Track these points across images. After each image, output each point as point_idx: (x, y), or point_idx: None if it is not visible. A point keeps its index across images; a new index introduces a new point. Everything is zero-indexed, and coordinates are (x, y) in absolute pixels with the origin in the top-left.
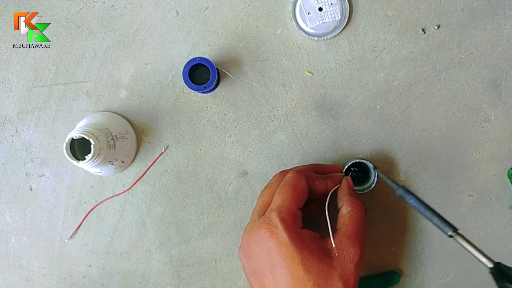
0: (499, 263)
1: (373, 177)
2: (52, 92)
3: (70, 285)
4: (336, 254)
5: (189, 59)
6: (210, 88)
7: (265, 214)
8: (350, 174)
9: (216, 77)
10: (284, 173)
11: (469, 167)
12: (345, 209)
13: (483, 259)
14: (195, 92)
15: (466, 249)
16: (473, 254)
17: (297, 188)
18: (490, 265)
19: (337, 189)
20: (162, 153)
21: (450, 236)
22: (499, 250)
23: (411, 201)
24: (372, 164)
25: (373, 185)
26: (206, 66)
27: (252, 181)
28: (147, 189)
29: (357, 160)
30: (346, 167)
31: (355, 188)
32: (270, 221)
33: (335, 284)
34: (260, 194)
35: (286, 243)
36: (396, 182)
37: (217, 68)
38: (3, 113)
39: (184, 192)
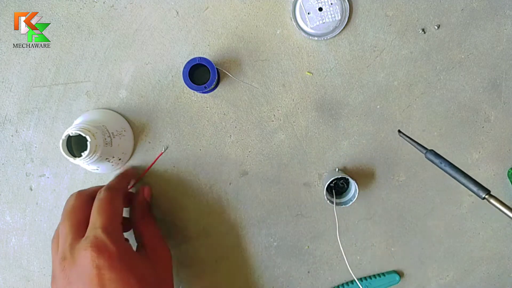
0: None
1: (353, 191)
2: (52, 92)
3: None
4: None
5: (189, 59)
6: (210, 88)
7: (87, 234)
8: (334, 183)
9: (216, 77)
10: (81, 195)
11: (469, 167)
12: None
13: None
14: (195, 92)
15: (500, 210)
16: (507, 215)
17: (114, 206)
18: None
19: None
20: (162, 153)
21: (484, 198)
22: (499, 250)
23: (442, 164)
24: (351, 178)
25: (353, 199)
26: (206, 66)
27: (252, 181)
28: None
29: (337, 177)
30: (327, 184)
31: (338, 200)
32: (97, 239)
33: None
34: (62, 222)
35: (117, 257)
36: (423, 146)
37: (217, 68)
38: (3, 113)
39: (184, 192)
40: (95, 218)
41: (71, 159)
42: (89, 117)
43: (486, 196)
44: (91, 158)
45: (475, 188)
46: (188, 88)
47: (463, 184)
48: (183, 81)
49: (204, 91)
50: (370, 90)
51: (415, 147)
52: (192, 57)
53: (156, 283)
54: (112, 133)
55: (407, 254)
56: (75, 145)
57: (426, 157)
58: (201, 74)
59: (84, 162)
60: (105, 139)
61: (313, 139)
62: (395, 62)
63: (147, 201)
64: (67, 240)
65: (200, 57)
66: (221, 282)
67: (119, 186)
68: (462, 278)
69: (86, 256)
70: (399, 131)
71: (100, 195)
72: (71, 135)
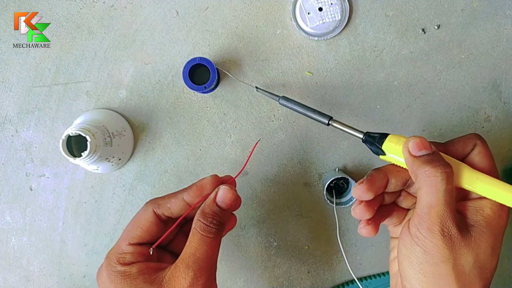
0: (367, 132)
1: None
2: (52, 92)
3: (70, 285)
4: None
5: (189, 59)
6: (210, 88)
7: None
8: (334, 183)
9: (216, 77)
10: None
11: None
12: (192, 226)
13: (356, 133)
14: (195, 92)
15: (344, 131)
16: (348, 132)
17: (137, 221)
18: (361, 135)
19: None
20: (257, 143)
21: (328, 124)
22: None
23: (294, 106)
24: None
25: (354, 199)
26: (206, 66)
27: (252, 181)
28: (147, 189)
29: (337, 177)
30: (327, 183)
31: (338, 200)
32: (103, 263)
33: None
34: None
35: (106, 282)
36: (276, 94)
37: (217, 68)
38: (3, 113)
39: None
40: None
41: (71, 159)
42: (89, 117)
43: (330, 122)
44: (91, 158)
45: (319, 117)
46: (188, 88)
47: (311, 117)
48: (183, 81)
49: (204, 91)
50: (370, 90)
51: (271, 98)
52: (192, 57)
53: None
54: (112, 133)
55: None
56: (75, 145)
57: (280, 103)
58: (201, 74)
59: (84, 162)
60: (105, 139)
61: (313, 139)
62: (395, 62)
63: (218, 209)
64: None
65: (200, 57)
66: (221, 282)
67: (159, 202)
68: None
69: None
70: (256, 87)
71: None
72: (71, 135)
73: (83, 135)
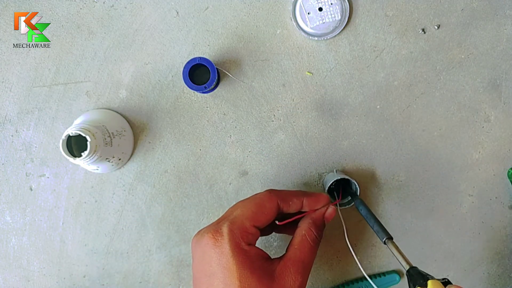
0: (415, 267)
1: (354, 188)
2: (52, 92)
3: (70, 285)
4: (277, 278)
5: (189, 59)
6: (210, 88)
7: (218, 222)
8: (334, 185)
9: (216, 77)
10: (269, 191)
11: (469, 167)
12: (300, 232)
13: (403, 263)
14: (195, 92)
15: (393, 254)
16: (397, 258)
17: (262, 206)
18: (407, 267)
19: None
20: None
21: (384, 242)
22: (499, 250)
23: (364, 213)
24: (353, 179)
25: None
26: (206, 66)
27: (252, 181)
28: (147, 189)
29: (339, 177)
30: (328, 185)
31: (341, 203)
32: (219, 229)
33: None
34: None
35: (228, 255)
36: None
37: (217, 68)
38: (3, 113)
39: (184, 192)
40: (236, 210)
41: (71, 159)
42: (89, 117)
43: (386, 241)
44: (91, 158)
45: (381, 231)
46: (188, 88)
47: (373, 228)
48: (183, 81)
49: (204, 91)
50: (370, 90)
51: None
52: (192, 57)
53: None
54: (112, 133)
55: (407, 254)
56: (75, 145)
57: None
58: (201, 74)
59: (84, 162)
60: (105, 139)
61: (313, 139)
62: (395, 62)
63: (324, 225)
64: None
65: (200, 57)
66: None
67: (286, 196)
68: (462, 278)
69: (204, 241)
70: (384, 242)
71: (258, 193)
72: (71, 135)
73: (83, 135)
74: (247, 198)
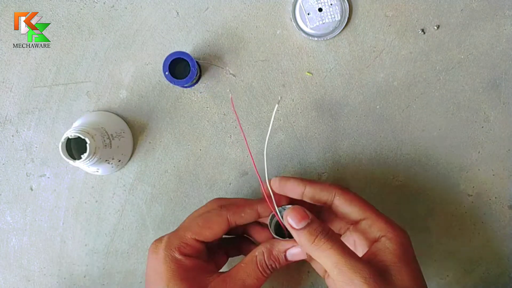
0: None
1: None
2: (53, 92)
3: (70, 285)
4: None
5: (171, 58)
6: (193, 81)
7: (167, 235)
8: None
9: (197, 68)
10: (219, 201)
11: (469, 167)
12: (253, 252)
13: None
14: (195, 92)
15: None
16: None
17: (208, 222)
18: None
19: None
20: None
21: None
22: (499, 250)
23: None
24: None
25: None
26: (186, 60)
27: (252, 181)
28: (147, 189)
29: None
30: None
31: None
32: (162, 238)
33: None
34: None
35: (160, 261)
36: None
37: (197, 62)
38: (3, 113)
39: (184, 192)
40: (185, 221)
41: (71, 162)
42: (88, 119)
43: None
44: (90, 160)
45: None
46: (188, 89)
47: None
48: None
49: (185, 85)
50: (370, 90)
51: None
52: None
53: None
54: (111, 134)
55: None
56: (75, 147)
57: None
58: (183, 68)
59: (84, 164)
60: (104, 140)
61: (313, 139)
62: (395, 62)
63: (286, 262)
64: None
65: (176, 52)
66: None
67: (237, 207)
68: (462, 278)
69: (150, 248)
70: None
71: (210, 210)
72: (70, 137)
73: (82, 137)
74: (199, 209)
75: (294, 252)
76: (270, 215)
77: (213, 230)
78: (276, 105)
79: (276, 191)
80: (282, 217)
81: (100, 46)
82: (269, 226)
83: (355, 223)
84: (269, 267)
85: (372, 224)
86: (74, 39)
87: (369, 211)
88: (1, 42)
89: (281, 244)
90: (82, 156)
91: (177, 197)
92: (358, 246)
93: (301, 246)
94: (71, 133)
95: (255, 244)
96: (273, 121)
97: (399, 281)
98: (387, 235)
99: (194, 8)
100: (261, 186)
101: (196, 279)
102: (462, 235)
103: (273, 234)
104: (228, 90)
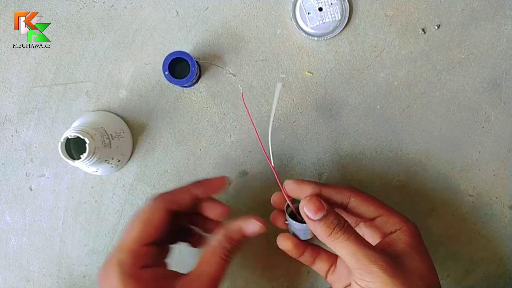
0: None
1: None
2: (52, 92)
3: (70, 285)
4: None
5: (171, 58)
6: (193, 80)
7: (111, 254)
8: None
9: (196, 68)
10: (152, 197)
11: (469, 167)
12: (210, 243)
13: None
14: (195, 92)
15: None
16: None
17: (148, 221)
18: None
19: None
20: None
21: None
22: (499, 250)
23: None
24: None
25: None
26: (186, 60)
27: (252, 181)
28: (147, 189)
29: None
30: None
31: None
32: (108, 263)
33: None
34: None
35: (117, 285)
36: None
37: (196, 61)
38: (3, 113)
39: None
40: (122, 235)
41: (70, 162)
42: (87, 119)
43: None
44: (90, 160)
45: None
46: (188, 88)
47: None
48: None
49: (185, 84)
50: (370, 90)
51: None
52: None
53: None
54: (111, 134)
55: None
56: (74, 147)
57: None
58: (182, 68)
59: (83, 164)
60: (104, 140)
61: (313, 139)
62: (395, 62)
63: (244, 238)
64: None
65: (175, 52)
66: (221, 282)
67: (170, 197)
68: (462, 278)
69: (99, 276)
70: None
71: (140, 208)
72: (69, 137)
73: (82, 137)
74: (134, 215)
75: (252, 229)
76: (285, 205)
77: (157, 227)
78: (280, 84)
79: (291, 193)
80: (295, 208)
81: (100, 45)
82: (286, 214)
83: (370, 220)
84: (230, 250)
85: (387, 220)
86: (73, 39)
87: (383, 209)
88: (1, 42)
89: (235, 225)
90: (81, 156)
91: None
92: (368, 238)
93: (318, 236)
94: (70, 133)
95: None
96: (274, 121)
97: (413, 267)
98: (402, 228)
99: (194, 7)
100: (273, 171)
101: (162, 287)
102: (462, 235)
103: (289, 222)
104: (239, 86)
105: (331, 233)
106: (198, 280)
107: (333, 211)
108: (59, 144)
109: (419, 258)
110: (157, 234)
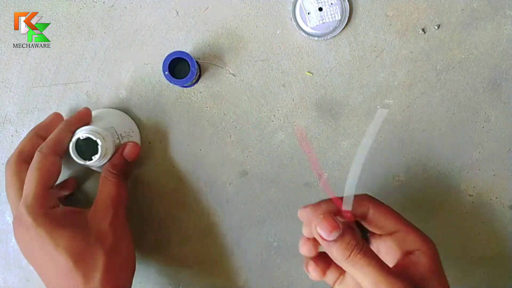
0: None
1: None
2: (52, 92)
3: None
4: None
5: (171, 58)
6: (193, 79)
7: (18, 209)
8: None
9: (196, 68)
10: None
11: (469, 167)
12: (100, 176)
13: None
14: (195, 92)
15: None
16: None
17: (41, 169)
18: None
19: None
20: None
21: None
22: (499, 250)
23: None
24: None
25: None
26: (186, 60)
27: (252, 181)
28: (147, 189)
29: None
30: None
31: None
32: (19, 214)
33: (93, 246)
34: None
35: (33, 227)
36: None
37: (196, 61)
38: (3, 113)
39: (184, 192)
40: (25, 188)
41: (81, 162)
42: (98, 115)
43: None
44: (101, 161)
45: None
46: (187, 88)
47: None
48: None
49: (185, 84)
50: (370, 90)
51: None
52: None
53: (83, 241)
54: (121, 134)
55: None
56: (83, 146)
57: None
58: (182, 68)
59: (93, 165)
60: (114, 141)
61: (313, 139)
62: (395, 62)
63: (125, 160)
64: (12, 207)
65: (175, 52)
66: (221, 282)
67: (55, 142)
68: (462, 278)
69: (16, 234)
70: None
71: (34, 160)
72: (81, 138)
73: (94, 138)
74: (29, 169)
75: (127, 150)
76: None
77: (56, 171)
78: (385, 111)
79: (311, 217)
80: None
81: (100, 45)
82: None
83: (388, 234)
84: (119, 174)
85: (405, 237)
86: (73, 39)
87: (402, 223)
88: (1, 42)
89: (117, 153)
90: (93, 157)
91: (176, 197)
92: (382, 254)
93: (334, 259)
94: (81, 133)
95: None
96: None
97: None
98: (422, 249)
99: (193, 7)
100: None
101: (74, 221)
102: (462, 235)
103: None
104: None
105: (349, 256)
106: (102, 203)
107: (350, 231)
108: (70, 144)
109: (439, 285)
110: (54, 177)
